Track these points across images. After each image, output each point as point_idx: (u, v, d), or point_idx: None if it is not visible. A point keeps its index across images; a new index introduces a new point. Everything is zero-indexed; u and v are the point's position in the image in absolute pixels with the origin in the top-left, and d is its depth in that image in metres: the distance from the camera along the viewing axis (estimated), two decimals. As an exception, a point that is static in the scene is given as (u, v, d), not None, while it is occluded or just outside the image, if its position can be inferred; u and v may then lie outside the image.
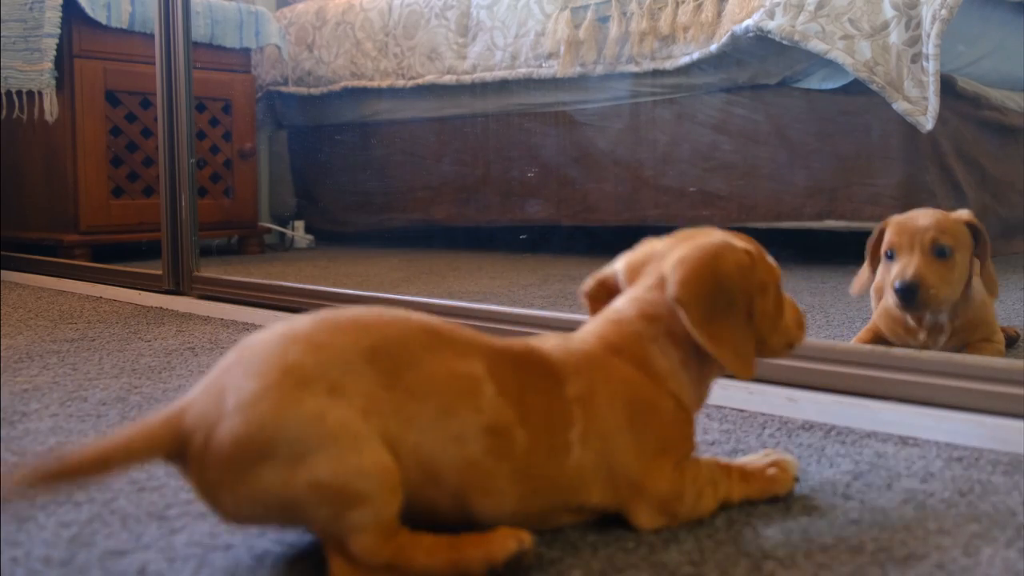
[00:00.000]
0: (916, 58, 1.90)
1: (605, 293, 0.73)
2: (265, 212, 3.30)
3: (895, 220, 1.15)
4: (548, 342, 0.66)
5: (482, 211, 2.79)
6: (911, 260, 1.10)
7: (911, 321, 1.18)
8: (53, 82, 2.52)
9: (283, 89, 3.24)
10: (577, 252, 2.63)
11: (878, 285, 1.33)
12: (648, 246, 0.72)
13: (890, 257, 1.14)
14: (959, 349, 1.16)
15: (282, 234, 3.27)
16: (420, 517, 0.58)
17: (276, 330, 0.59)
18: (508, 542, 0.57)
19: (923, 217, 1.12)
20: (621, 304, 0.69)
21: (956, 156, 2.09)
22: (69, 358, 1.26)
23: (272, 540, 0.64)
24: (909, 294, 1.09)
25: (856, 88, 2.01)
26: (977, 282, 1.17)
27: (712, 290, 0.64)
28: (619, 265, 0.72)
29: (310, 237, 3.24)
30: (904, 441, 0.86)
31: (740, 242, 0.68)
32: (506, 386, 0.60)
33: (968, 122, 2.17)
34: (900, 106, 1.90)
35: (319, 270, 2.42)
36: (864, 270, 1.21)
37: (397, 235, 3.14)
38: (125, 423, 0.94)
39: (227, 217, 2.87)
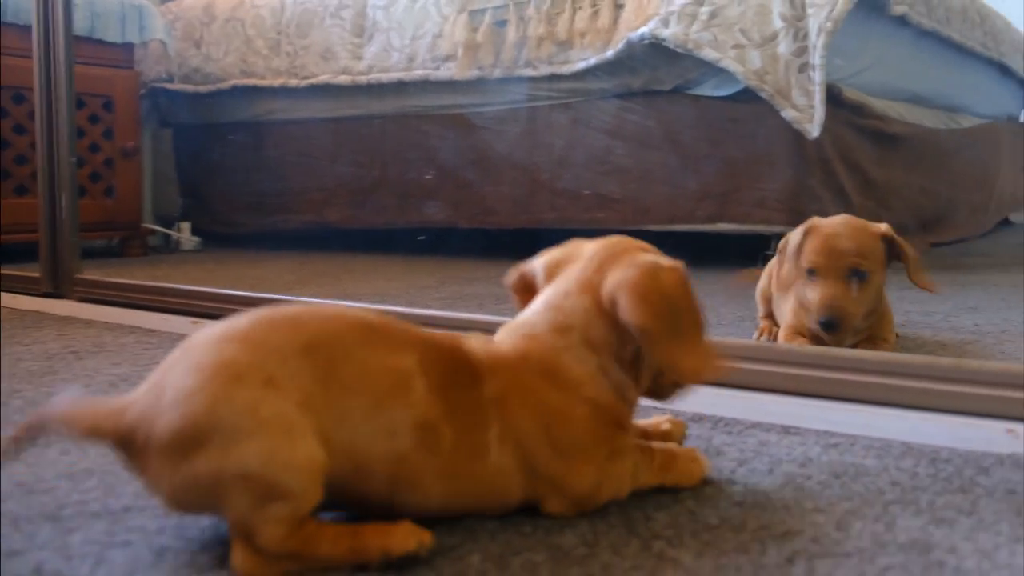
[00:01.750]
0: (803, 68, 1.99)
1: (526, 286, 0.75)
2: (148, 213, 3.20)
3: (817, 235, 1.17)
4: (472, 341, 0.67)
5: (378, 213, 2.78)
6: (832, 289, 1.15)
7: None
8: (-79, 73, 2.39)
9: (169, 86, 3.14)
10: (475, 254, 2.64)
11: (763, 289, 1.39)
12: (570, 247, 0.73)
13: (811, 274, 1.17)
14: (855, 345, 1.21)
15: (167, 236, 3.18)
16: (349, 507, 0.59)
17: (215, 329, 0.60)
18: (408, 539, 0.58)
19: (845, 239, 1.15)
20: (535, 315, 0.70)
21: (841, 162, 2.19)
22: (-57, 361, 1.20)
23: (172, 536, 0.63)
24: (832, 326, 1.14)
25: (745, 96, 2.09)
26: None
27: (663, 310, 0.65)
28: (539, 263, 0.74)
29: (197, 239, 3.15)
30: (786, 430, 0.90)
31: (666, 260, 0.69)
32: (435, 381, 0.61)
33: (852, 130, 2.27)
34: (788, 114, 1.99)
35: (207, 273, 2.36)
36: (785, 270, 1.23)
37: (290, 237, 3.09)
38: (7, 426, 0.90)
39: (108, 218, 2.77)
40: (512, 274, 0.76)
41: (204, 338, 0.60)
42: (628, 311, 0.65)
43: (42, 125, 1.74)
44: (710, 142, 2.19)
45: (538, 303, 0.71)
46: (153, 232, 3.09)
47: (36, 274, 1.76)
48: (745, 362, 0.99)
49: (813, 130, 1.96)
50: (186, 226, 3.16)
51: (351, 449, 0.58)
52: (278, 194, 3.00)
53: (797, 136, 2.02)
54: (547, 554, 0.60)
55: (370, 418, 0.58)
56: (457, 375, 0.63)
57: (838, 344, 1.18)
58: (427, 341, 0.64)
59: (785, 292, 1.28)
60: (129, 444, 0.57)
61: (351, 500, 0.60)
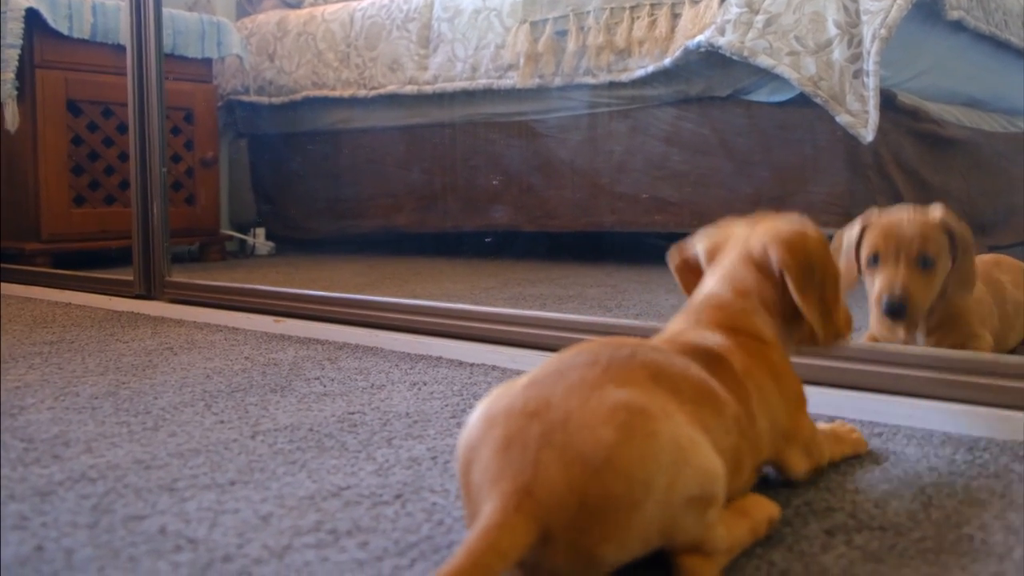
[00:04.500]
0: (858, 74, 2.02)
1: (688, 266, 0.84)
2: (226, 220, 3.35)
3: (879, 223, 1.15)
4: (687, 332, 0.73)
5: (444, 217, 2.87)
6: (897, 273, 1.12)
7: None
8: (15, 92, 2.55)
9: (244, 98, 3.28)
10: (537, 257, 2.71)
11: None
12: (725, 227, 0.82)
13: (874, 261, 1.15)
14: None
15: (243, 241, 3.32)
16: None
17: (562, 377, 0.59)
18: (773, 505, 0.66)
19: (908, 224, 1.12)
20: (713, 287, 0.78)
21: (895, 166, 2.22)
22: (52, 359, 1.31)
23: (274, 504, 0.71)
24: (898, 310, 1.11)
25: (800, 102, 2.13)
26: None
27: (804, 261, 0.75)
28: (699, 247, 0.83)
29: (271, 244, 3.28)
30: (832, 420, 0.95)
31: (815, 229, 0.79)
32: (717, 378, 0.67)
33: (907, 134, 2.29)
34: (843, 119, 2.02)
35: (282, 276, 2.47)
36: (848, 265, 1.20)
37: (360, 242, 3.20)
38: (120, 414, 1.00)
39: (189, 224, 2.91)
40: (674, 256, 0.85)
41: (556, 392, 0.58)
42: (776, 256, 0.75)
43: (135, 138, 1.86)
44: (764, 147, 2.24)
45: (711, 278, 0.79)
46: (231, 238, 3.23)
47: (129, 277, 1.88)
48: (794, 357, 1.04)
49: (867, 135, 1.99)
50: (261, 232, 3.30)
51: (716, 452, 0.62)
52: (349, 200, 3.12)
53: (852, 141, 2.05)
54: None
55: (716, 423, 0.63)
56: (717, 366, 0.69)
57: (909, 336, 1.16)
58: (683, 347, 0.70)
59: (845, 291, 1.26)
60: (550, 528, 0.53)
61: None
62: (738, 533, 0.61)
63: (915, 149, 2.32)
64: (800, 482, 0.76)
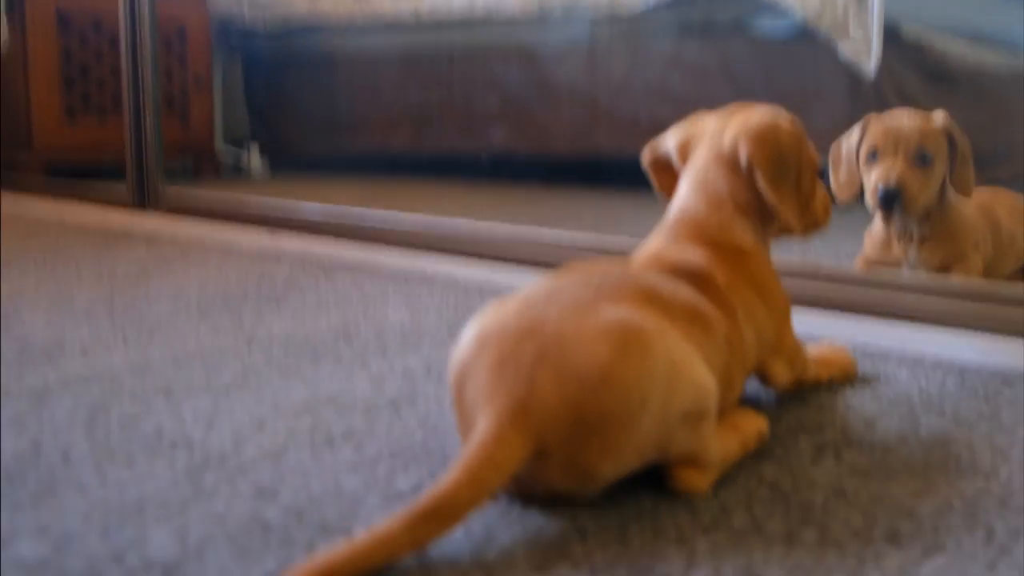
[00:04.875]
0: (861, 5, 1.99)
1: (662, 165, 0.81)
2: (220, 137, 3.31)
3: (878, 121, 1.16)
4: (668, 251, 0.72)
5: (441, 139, 2.84)
6: (894, 165, 1.13)
7: (883, 232, 1.21)
8: (3, 4, 2.49)
9: (238, 16, 3.22)
10: (534, 182, 2.70)
11: None
12: (696, 121, 0.79)
13: (872, 158, 1.16)
14: (940, 270, 1.19)
15: (237, 159, 3.29)
16: None
17: (555, 297, 0.59)
18: (761, 419, 0.66)
19: (907, 121, 1.14)
20: (687, 199, 0.75)
21: (898, 99, 2.19)
22: (46, 267, 1.31)
23: (270, 408, 0.72)
24: (891, 199, 1.12)
25: (802, 34, 2.09)
26: (953, 195, 1.19)
27: (775, 154, 0.73)
28: (670, 144, 0.80)
29: (266, 163, 3.25)
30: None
31: (788, 119, 0.77)
32: (706, 297, 0.67)
33: (910, 68, 2.26)
34: (845, 52, 1.99)
35: (277, 194, 2.45)
36: (843, 174, 1.21)
37: (354, 162, 3.17)
38: (115, 321, 1.00)
39: (183, 141, 2.88)
40: (647, 154, 0.82)
41: (555, 309, 0.57)
42: (744, 153, 0.72)
43: (127, 50, 1.83)
44: (766, 79, 2.21)
45: (684, 187, 0.77)
46: (225, 155, 3.20)
47: (124, 190, 1.87)
48: (787, 278, 1.04)
49: (870, 68, 1.97)
50: (255, 150, 3.27)
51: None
52: (344, 120, 3.08)
53: (853, 74, 2.03)
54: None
55: (708, 342, 0.63)
56: (703, 283, 0.68)
57: (902, 247, 1.17)
58: (670, 269, 0.69)
59: (846, 200, 1.24)
60: (546, 443, 0.53)
61: None
62: (729, 447, 0.62)
63: (918, 83, 2.29)
64: (781, 393, 0.77)
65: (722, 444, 0.61)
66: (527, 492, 0.56)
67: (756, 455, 0.65)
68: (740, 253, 0.73)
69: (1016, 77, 2.82)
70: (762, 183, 0.72)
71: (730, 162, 0.74)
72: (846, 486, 0.60)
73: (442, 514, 0.48)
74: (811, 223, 0.78)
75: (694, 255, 0.71)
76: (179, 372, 0.82)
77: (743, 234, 0.74)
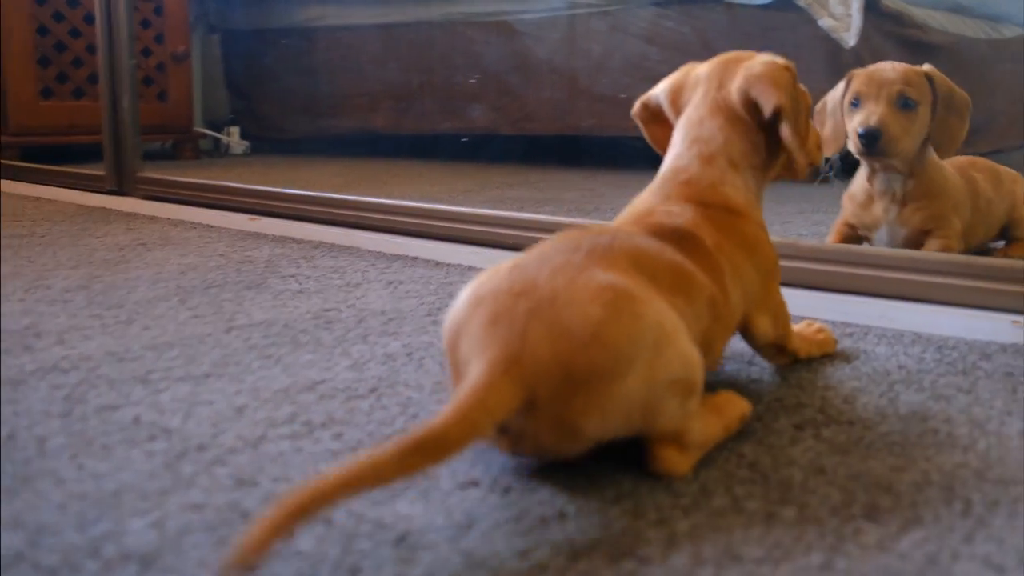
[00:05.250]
0: (842, -25, 1.98)
1: (653, 116, 0.82)
2: (199, 117, 3.28)
3: (862, 71, 1.18)
4: (655, 215, 0.72)
5: (422, 119, 2.83)
6: (876, 108, 1.15)
7: (864, 193, 1.22)
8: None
9: (216, -8, 3.18)
10: (515, 160, 2.69)
11: None
12: (684, 72, 0.80)
13: (855, 105, 1.18)
14: (917, 242, 1.19)
15: (217, 140, 3.26)
16: None
17: (547, 261, 0.59)
18: (744, 403, 0.66)
19: (890, 69, 1.16)
20: (681, 157, 0.76)
21: (876, 72, 2.19)
22: (23, 252, 1.30)
23: (249, 396, 0.71)
24: (871, 139, 1.13)
25: (781, 5, 2.08)
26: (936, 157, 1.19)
27: (792, 95, 0.73)
28: (660, 93, 0.80)
29: (245, 143, 3.23)
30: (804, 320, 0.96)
31: (784, 61, 0.77)
32: (692, 260, 0.67)
33: (890, 39, 2.26)
34: (825, 23, 1.99)
35: (257, 175, 2.44)
36: (828, 128, 1.22)
37: (336, 142, 3.15)
38: (93, 307, 1.00)
39: (161, 121, 2.85)
40: (636, 106, 0.83)
41: (547, 269, 0.58)
42: (764, 96, 0.73)
43: (102, 28, 1.80)
44: (745, 48, 2.20)
45: (678, 141, 0.77)
46: (204, 136, 3.17)
47: (100, 173, 1.85)
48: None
49: (850, 39, 1.96)
50: (235, 130, 3.24)
51: None
52: (325, 99, 3.06)
53: (834, 46, 2.02)
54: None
55: (690, 310, 0.63)
56: (689, 244, 0.69)
57: (886, 190, 1.17)
58: (658, 230, 0.69)
59: (833, 152, 1.26)
60: (535, 394, 0.53)
61: None
62: (712, 430, 0.62)
63: (897, 54, 2.29)
64: (764, 352, 0.78)
65: (704, 426, 0.61)
66: (518, 450, 0.57)
67: (736, 435, 0.65)
68: (730, 213, 0.73)
69: (995, 48, 2.82)
70: (789, 128, 0.73)
71: (728, 111, 0.75)
72: (825, 463, 0.60)
73: (430, 448, 0.48)
74: (810, 162, 0.80)
75: (682, 215, 0.71)
76: (157, 359, 0.81)
77: (735, 193, 0.74)
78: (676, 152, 0.76)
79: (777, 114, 0.72)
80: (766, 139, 0.76)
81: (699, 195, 0.73)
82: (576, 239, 0.63)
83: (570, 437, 0.55)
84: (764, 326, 0.75)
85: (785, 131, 0.73)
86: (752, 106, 0.74)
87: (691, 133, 0.76)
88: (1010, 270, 0.91)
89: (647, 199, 0.75)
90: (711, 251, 0.69)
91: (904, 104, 1.14)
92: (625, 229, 0.68)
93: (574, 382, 0.53)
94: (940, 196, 1.20)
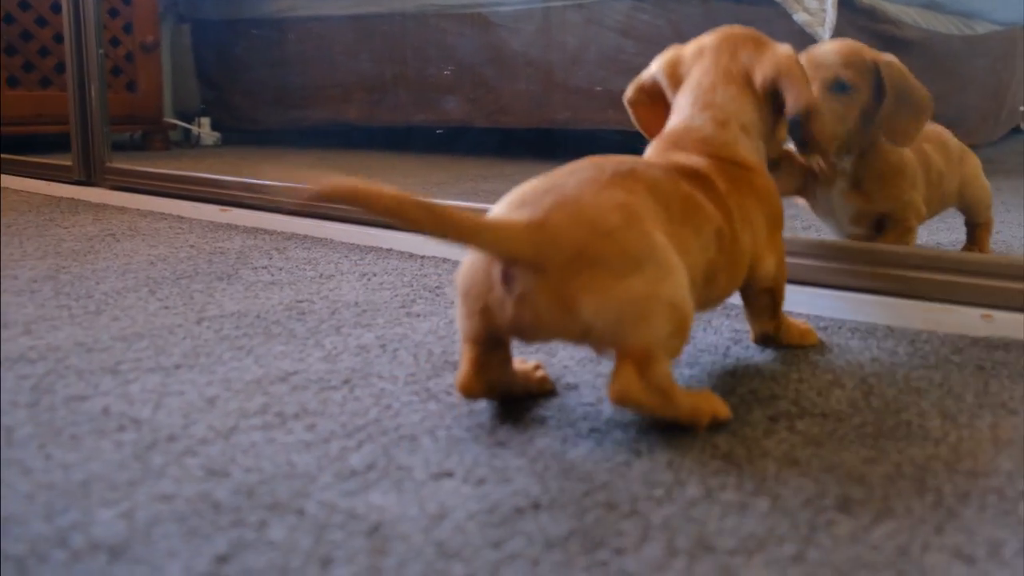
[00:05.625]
0: (815, -28, 1.99)
1: (647, 97, 0.84)
2: (169, 108, 3.24)
3: (806, 53, 1.09)
4: (673, 156, 0.75)
5: (395, 110, 2.81)
6: None
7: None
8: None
9: (186, -19, 3.15)
10: (489, 152, 2.68)
11: None
12: (675, 49, 0.83)
13: None
14: (873, 232, 1.15)
15: (187, 131, 3.23)
16: None
17: (574, 174, 0.64)
18: (725, 408, 0.65)
19: (830, 52, 1.08)
20: (693, 119, 0.78)
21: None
22: (-11, 241, 1.28)
23: (220, 387, 0.70)
24: (798, 125, 1.04)
25: (757, -1, 2.09)
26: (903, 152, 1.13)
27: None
28: (656, 71, 0.83)
29: (216, 134, 3.20)
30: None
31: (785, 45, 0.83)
32: (702, 193, 0.70)
33: (864, 34, 2.28)
34: (799, 17, 2.00)
35: (228, 166, 2.41)
36: None
37: (308, 134, 3.13)
38: (60, 297, 0.98)
39: (130, 111, 2.81)
40: (630, 90, 0.85)
41: (574, 182, 0.63)
42: (795, 92, 0.77)
43: (69, 16, 1.78)
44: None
45: (686, 106, 0.79)
46: (174, 127, 3.14)
47: (68, 163, 1.82)
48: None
49: (824, 34, 1.97)
50: (206, 121, 3.21)
51: (690, 273, 0.64)
52: (297, 90, 3.03)
53: (808, 40, 2.03)
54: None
55: (696, 241, 0.67)
56: (703, 183, 0.72)
57: (825, 172, 1.11)
58: (675, 168, 0.72)
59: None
60: (545, 257, 0.58)
61: None
62: (679, 398, 0.62)
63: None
64: (758, 298, 0.81)
65: (671, 383, 0.62)
66: (516, 318, 0.60)
67: (711, 428, 0.65)
68: (743, 168, 0.77)
69: (968, 44, 2.85)
70: (814, 122, 0.81)
71: (742, 83, 0.79)
72: (799, 455, 0.60)
73: (446, 221, 0.55)
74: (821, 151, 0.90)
75: (699, 163, 0.74)
76: (127, 350, 0.80)
77: (747, 153, 0.78)
78: (687, 114, 0.79)
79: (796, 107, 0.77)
80: (771, 116, 0.81)
81: (714, 151, 0.76)
82: (601, 163, 0.67)
83: (566, 312, 0.59)
84: (768, 266, 0.78)
85: (811, 128, 0.80)
86: (771, 90, 0.78)
87: (703, 98, 0.79)
88: (980, 264, 0.92)
89: (656, 150, 0.78)
90: (722, 194, 0.72)
91: (839, 87, 1.06)
92: (645, 160, 0.72)
93: (584, 261, 0.58)
94: (896, 178, 1.14)
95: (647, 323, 0.59)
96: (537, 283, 0.58)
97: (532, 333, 0.61)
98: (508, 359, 0.66)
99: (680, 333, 0.61)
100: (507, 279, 0.59)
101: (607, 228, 0.59)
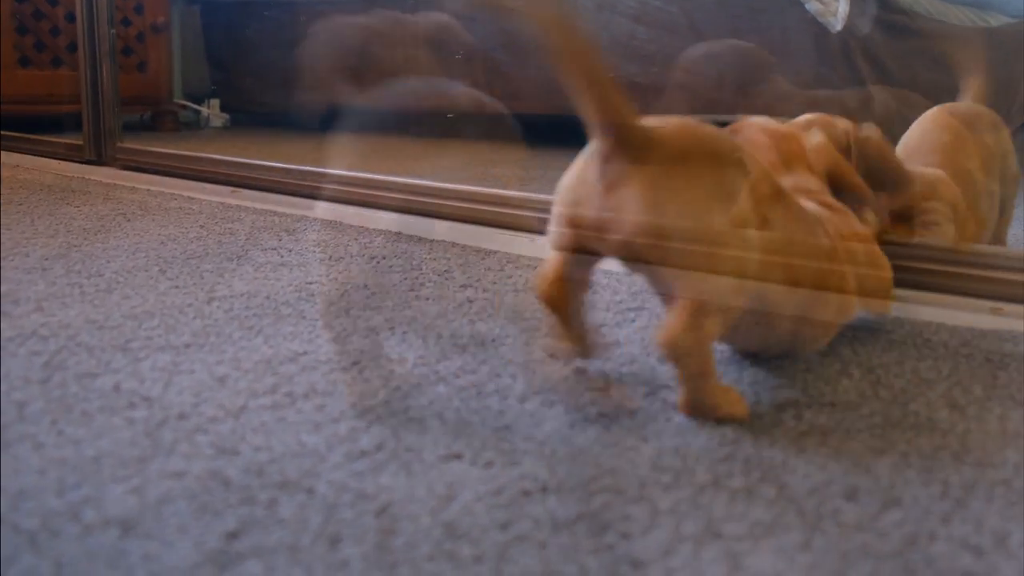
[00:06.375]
0: (829, -39, 1.98)
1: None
2: (179, 89, 3.24)
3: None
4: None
5: (405, 94, 2.81)
6: None
7: None
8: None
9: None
10: (500, 138, 2.67)
11: None
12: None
13: None
14: None
15: (196, 112, 3.23)
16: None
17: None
18: (744, 408, 0.65)
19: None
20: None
21: (863, 56, 2.19)
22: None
23: (230, 366, 0.71)
24: None
25: (769, -14, 2.08)
26: None
27: None
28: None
29: (225, 116, 3.20)
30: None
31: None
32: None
33: (876, 24, 2.26)
34: (812, 7, 1.99)
35: (237, 148, 2.42)
36: None
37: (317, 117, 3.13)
38: (72, 275, 0.98)
39: (140, 92, 2.82)
40: None
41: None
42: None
43: (81, -4, 1.78)
44: (733, 32, 2.20)
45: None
46: (184, 108, 3.14)
47: (79, 142, 1.82)
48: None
49: (836, 23, 1.96)
50: (215, 103, 3.21)
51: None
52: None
53: (821, 29, 2.02)
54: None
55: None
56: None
57: None
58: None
59: None
60: (640, 149, 0.62)
61: None
62: (712, 378, 0.63)
63: (883, 39, 2.30)
64: None
65: (709, 356, 0.63)
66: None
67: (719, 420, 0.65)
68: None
69: (979, 33, 2.83)
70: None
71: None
72: (806, 444, 0.60)
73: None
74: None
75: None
76: (137, 328, 0.80)
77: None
78: None
79: None
80: None
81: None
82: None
83: (649, 208, 0.60)
84: None
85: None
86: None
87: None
88: (990, 257, 0.91)
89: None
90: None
91: None
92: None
93: (685, 155, 0.61)
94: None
95: (714, 259, 0.61)
96: (632, 174, 0.61)
97: (614, 229, 0.61)
98: (586, 284, 0.69)
99: (735, 306, 0.63)
100: (604, 174, 0.62)
101: (720, 152, 0.63)
